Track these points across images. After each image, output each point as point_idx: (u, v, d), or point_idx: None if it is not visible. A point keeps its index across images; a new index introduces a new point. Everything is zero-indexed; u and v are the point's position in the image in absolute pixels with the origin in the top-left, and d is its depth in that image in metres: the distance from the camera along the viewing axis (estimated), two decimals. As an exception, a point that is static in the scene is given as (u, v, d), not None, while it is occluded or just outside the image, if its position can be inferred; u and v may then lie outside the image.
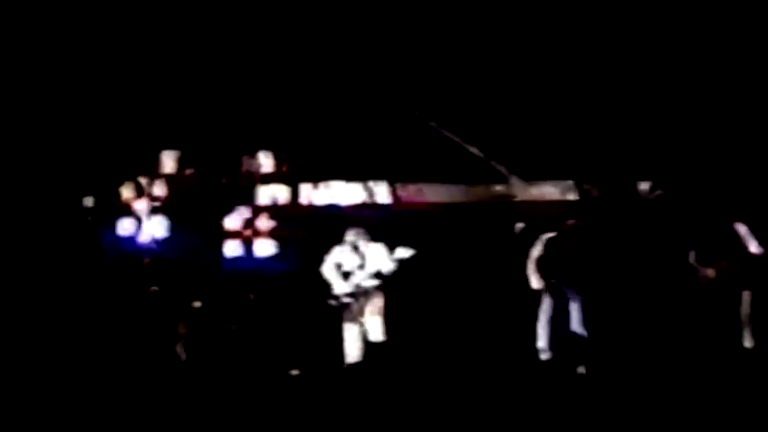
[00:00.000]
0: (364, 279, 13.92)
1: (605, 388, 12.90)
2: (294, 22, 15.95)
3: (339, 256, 13.98)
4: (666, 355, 13.79)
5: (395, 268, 13.86)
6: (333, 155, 15.64)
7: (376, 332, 14.00)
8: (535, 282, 14.32)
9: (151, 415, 12.03)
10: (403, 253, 13.83)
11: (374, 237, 14.14)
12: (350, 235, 14.01)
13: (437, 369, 13.56)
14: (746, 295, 14.24)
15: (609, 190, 15.79)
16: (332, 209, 15.36)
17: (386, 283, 13.99)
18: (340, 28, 15.99)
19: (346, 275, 13.93)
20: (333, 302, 14.01)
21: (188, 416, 12.10)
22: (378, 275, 13.94)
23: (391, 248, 13.93)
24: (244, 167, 15.42)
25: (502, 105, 16.20)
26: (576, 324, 14.37)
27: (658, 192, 15.73)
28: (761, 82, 15.76)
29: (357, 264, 13.93)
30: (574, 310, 14.40)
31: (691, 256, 14.40)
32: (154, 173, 14.93)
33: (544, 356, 14.20)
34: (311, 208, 15.34)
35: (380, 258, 13.96)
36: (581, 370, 13.77)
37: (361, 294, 13.96)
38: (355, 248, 13.92)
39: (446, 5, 16.05)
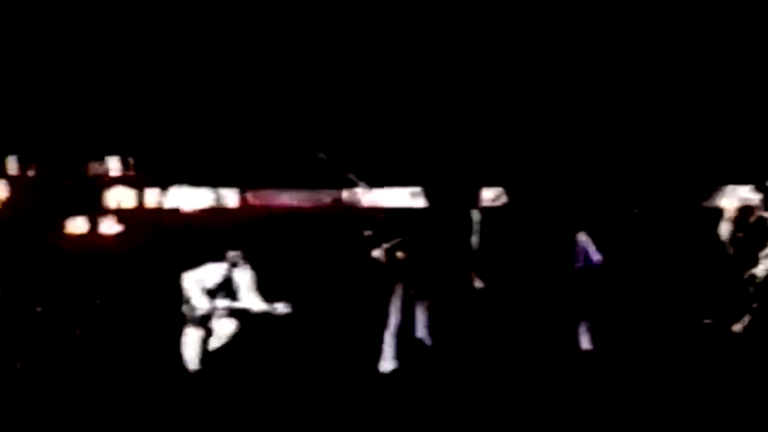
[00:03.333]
0: (226, 303, 13.71)
1: (451, 394, 13.03)
2: (139, 29, 15.81)
3: (209, 273, 13.71)
4: (513, 360, 14.02)
5: (262, 309, 13.69)
6: (181, 160, 15.51)
7: (220, 339, 13.87)
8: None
9: None
10: (282, 308, 13.67)
11: (222, 242, 14.00)
12: (230, 256, 13.76)
13: (287, 377, 13.53)
14: (586, 302, 14.58)
15: (455, 197, 15.96)
16: (178, 214, 15.23)
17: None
18: (184, 33, 15.90)
19: (210, 293, 13.68)
20: (187, 312, 13.80)
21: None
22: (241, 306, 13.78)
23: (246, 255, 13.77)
24: (91, 171, 15.22)
25: (352, 111, 16.26)
26: (421, 330, 14.51)
27: (504, 200, 15.96)
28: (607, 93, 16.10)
29: (224, 285, 13.69)
30: (420, 317, 14.55)
31: (535, 265, 14.65)
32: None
33: (389, 365, 14.26)
34: (158, 213, 15.19)
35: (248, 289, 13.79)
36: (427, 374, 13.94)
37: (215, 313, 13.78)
38: (233, 265, 13.65)
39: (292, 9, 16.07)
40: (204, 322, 13.53)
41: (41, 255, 14.12)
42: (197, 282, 13.48)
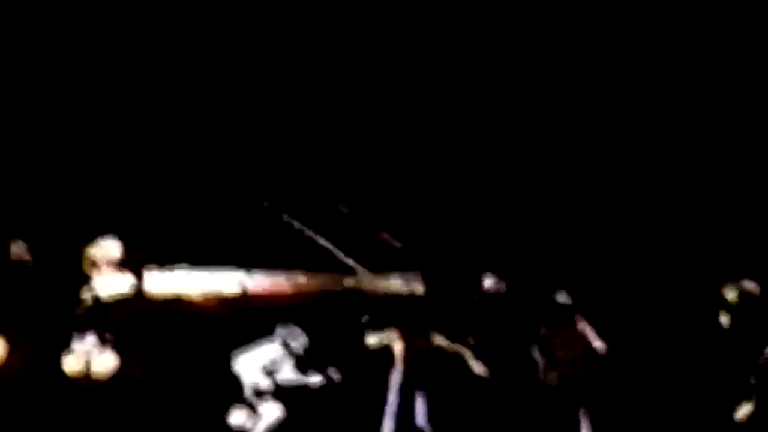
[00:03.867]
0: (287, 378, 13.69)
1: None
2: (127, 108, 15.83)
3: (264, 353, 13.66)
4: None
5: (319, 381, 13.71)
6: (179, 243, 15.39)
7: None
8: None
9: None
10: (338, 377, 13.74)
11: (222, 329, 13.99)
12: (281, 331, 13.74)
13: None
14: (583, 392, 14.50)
15: (453, 283, 15.88)
16: (180, 301, 15.07)
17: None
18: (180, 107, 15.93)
19: (269, 372, 13.65)
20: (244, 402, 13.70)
21: None
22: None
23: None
24: (87, 254, 15.00)
25: (350, 197, 16.23)
26: (420, 418, 14.42)
27: (501, 286, 15.87)
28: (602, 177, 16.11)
29: (284, 363, 13.66)
30: (419, 404, 14.46)
31: (535, 352, 14.58)
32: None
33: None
34: (157, 301, 14.99)
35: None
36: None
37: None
38: (286, 345, 13.67)
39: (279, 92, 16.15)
40: (262, 399, 13.55)
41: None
42: (252, 361, 13.53)
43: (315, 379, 13.63)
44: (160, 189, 15.69)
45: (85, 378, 13.88)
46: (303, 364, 13.63)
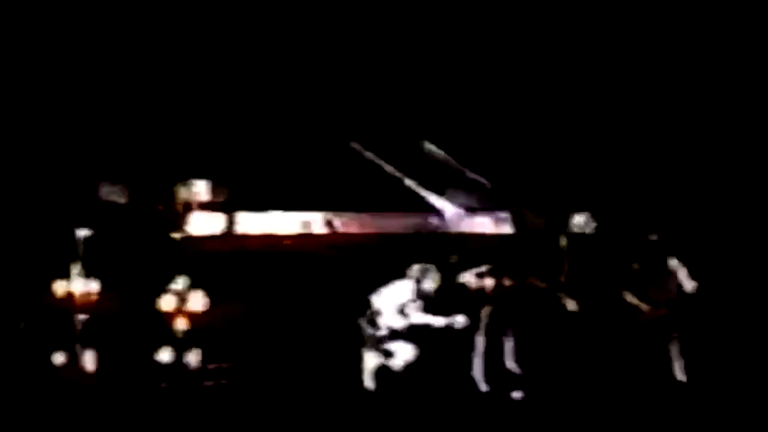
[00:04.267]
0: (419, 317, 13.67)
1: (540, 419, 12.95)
2: (224, 50, 15.85)
3: (398, 290, 13.67)
4: (603, 390, 13.88)
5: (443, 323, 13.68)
6: (269, 184, 15.47)
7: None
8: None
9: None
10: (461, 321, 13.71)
11: (311, 268, 14.02)
12: (414, 270, 13.73)
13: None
14: (676, 331, 14.39)
15: (543, 222, 15.81)
16: (270, 239, 15.17)
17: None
18: (274, 55, 15.93)
19: (401, 311, 13.65)
20: (370, 332, 13.72)
21: None
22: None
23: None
24: (179, 195, 15.17)
25: (439, 135, 16.21)
26: (509, 359, 14.39)
27: (593, 225, 15.78)
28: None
29: (413, 300, 13.63)
30: (508, 344, 14.44)
31: (626, 292, 14.48)
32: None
33: (481, 387, 14.21)
34: (247, 239, 15.13)
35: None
36: (516, 396, 13.87)
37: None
38: (417, 282, 13.65)
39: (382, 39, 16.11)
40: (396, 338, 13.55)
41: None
42: (389, 300, 13.55)
43: (440, 321, 13.57)
44: (249, 130, 15.78)
45: (180, 316, 14.06)
46: (432, 305, 13.54)
